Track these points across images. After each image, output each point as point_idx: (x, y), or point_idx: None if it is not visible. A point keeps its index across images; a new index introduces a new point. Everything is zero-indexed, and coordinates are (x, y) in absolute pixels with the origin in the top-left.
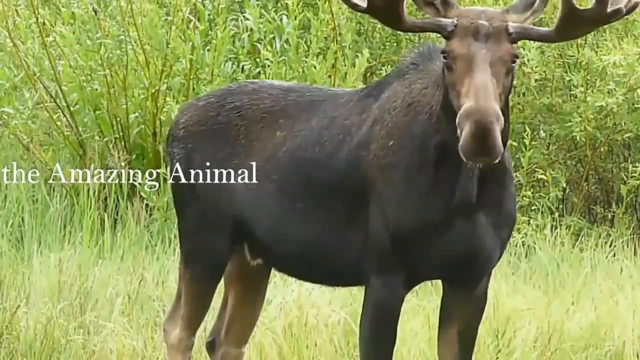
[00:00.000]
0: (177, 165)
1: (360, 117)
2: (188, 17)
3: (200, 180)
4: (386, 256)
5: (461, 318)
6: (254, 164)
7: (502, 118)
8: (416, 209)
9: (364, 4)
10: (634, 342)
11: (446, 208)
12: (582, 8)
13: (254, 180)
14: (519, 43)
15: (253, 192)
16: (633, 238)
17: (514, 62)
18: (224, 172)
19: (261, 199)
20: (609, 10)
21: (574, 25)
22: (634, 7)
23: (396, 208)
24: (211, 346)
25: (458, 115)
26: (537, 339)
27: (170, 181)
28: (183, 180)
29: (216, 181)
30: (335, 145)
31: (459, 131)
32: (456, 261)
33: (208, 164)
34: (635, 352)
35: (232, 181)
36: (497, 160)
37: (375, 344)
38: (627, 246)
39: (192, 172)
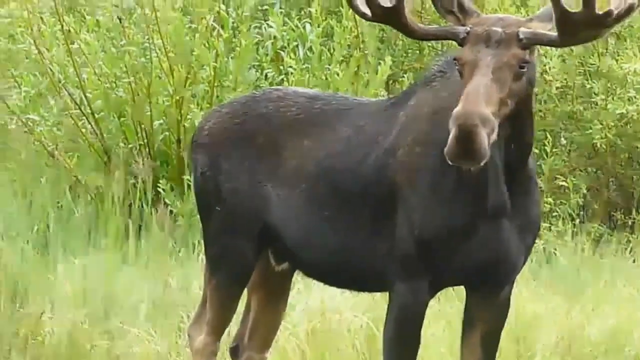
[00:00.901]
0: (202, 171)
1: (388, 125)
2: (212, 24)
3: (226, 187)
4: (411, 261)
5: (484, 323)
6: (281, 172)
7: (491, 121)
8: (441, 215)
9: (369, 13)
10: None
11: (471, 214)
12: (572, 11)
13: (283, 189)
14: (541, 51)
15: (281, 200)
16: None
17: (522, 67)
18: (251, 179)
19: (289, 206)
20: (598, 12)
21: (570, 28)
22: (630, 10)
23: (422, 213)
24: (234, 352)
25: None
26: (557, 344)
27: (194, 188)
28: (208, 187)
29: (242, 188)
30: (362, 153)
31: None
32: (481, 267)
33: (234, 170)
34: None
35: (260, 189)
36: (481, 164)
37: (399, 348)
38: None
39: (218, 178)
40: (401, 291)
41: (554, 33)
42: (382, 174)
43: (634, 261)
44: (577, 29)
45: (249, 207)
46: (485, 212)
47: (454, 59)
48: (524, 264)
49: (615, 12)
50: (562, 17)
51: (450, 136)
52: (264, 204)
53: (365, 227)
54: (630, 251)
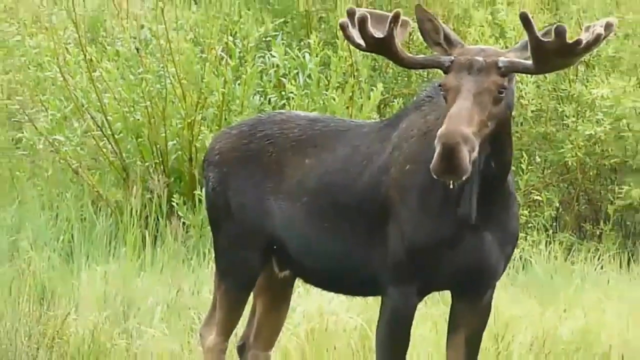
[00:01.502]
0: (213, 187)
1: (381, 145)
2: (220, 54)
3: (235, 202)
4: (402, 269)
5: (468, 325)
6: (285, 187)
7: (471, 140)
8: (428, 227)
9: (363, 43)
10: (620, 346)
11: (456, 226)
12: (546, 40)
13: (286, 202)
14: (518, 78)
15: (284, 213)
16: (619, 252)
17: (500, 92)
18: (257, 194)
19: (292, 219)
20: (569, 42)
21: (543, 57)
22: (597, 40)
23: (411, 226)
24: (241, 350)
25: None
26: (532, 343)
27: (205, 202)
28: (218, 201)
29: (250, 203)
30: (358, 170)
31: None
32: (465, 274)
33: (242, 187)
34: (621, 354)
35: (265, 203)
36: (463, 178)
37: (390, 347)
38: (614, 260)
39: (227, 194)
40: (393, 295)
41: (530, 62)
42: (376, 189)
43: (602, 267)
44: (550, 57)
45: (255, 220)
46: (469, 225)
47: (439, 85)
48: (503, 271)
49: (584, 41)
50: (537, 47)
51: (435, 153)
52: (268, 217)
53: (361, 237)
54: (599, 259)
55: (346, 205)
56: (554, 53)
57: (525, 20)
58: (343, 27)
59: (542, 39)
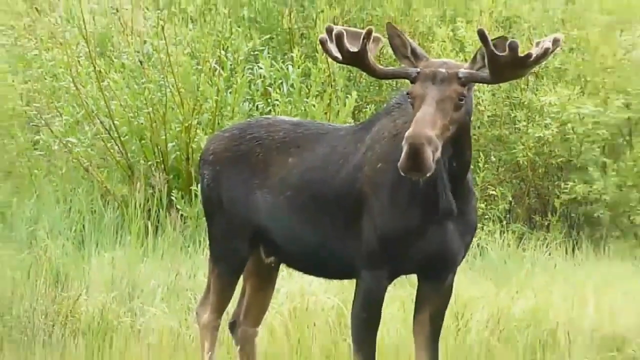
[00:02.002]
0: (207, 183)
1: (356, 146)
2: (214, 66)
3: (226, 197)
4: (374, 255)
5: (432, 305)
6: (270, 183)
7: (435, 141)
8: (398, 219)
9: (340, 56)
10: (565, 324)
11: (422, 218)
12: (500, 54)
13: (271, 197)
14: (476, 87)
15: (270, 206)
16: (564, 241)
17: (461, 99)
18: (246, 190)
19: (277, 211)
20: (521, 55)
21: (498, 68)
22: (545, 53)
23: (382, 217)
24: (232, 326)
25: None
26: (488, 320)
27: (201, 196)
28: (212, 196)
29: (239, 197)
30: (336, 168)
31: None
32: (429, 260)
33: (232, 183)
34: (566, 331)
35: (253, 197)
36: (427, 175)
37: (364, 324)
38: (560, 247)
39: (220, 189)
40: (366, 279)
41: (486, 73)
42: (352, 185)
43: (549, 254)
44: (504, 69)
45: (243, 213)
46: (434, 217)
47: (407, 93)
48: (463, 257)
49: (534, 55)
50: (492, 60)
51: (403, 152)
52: (255, 210)
53: (338, 227)
54: (547, 246)
55: (325, 199)
56: (507, 65)
57: (482, 36)
58: (322, 42)
59: (497, 52)
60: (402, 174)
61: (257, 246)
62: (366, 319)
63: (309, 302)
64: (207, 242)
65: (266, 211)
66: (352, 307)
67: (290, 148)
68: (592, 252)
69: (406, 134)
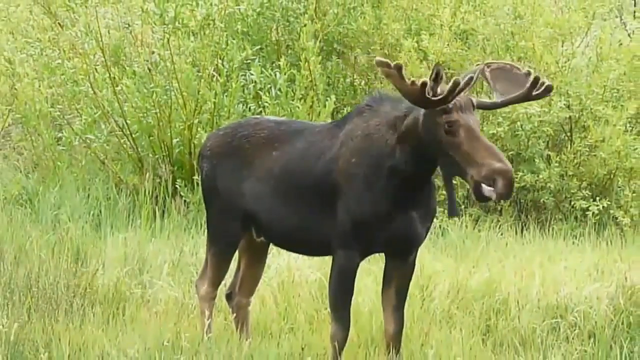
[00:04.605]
0: (205, 174)
1: (331, 141)
2: (212, 73)
3: (221, 186)
4: (347, 237)
5: (398, 279)
6: (257, 174)
7: None
8: (369, 205)
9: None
10: (515, 294)
11: (390, 206)
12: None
13: (258, 185)
14: None
15: (257, 193)
16: (515, 223)
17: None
18: (237, 179)
19: (263, 198)
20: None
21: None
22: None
23: (356, 203)
24: (229, 297)
25: (487, 170)
26: (449, 291)
27: (201, 185)
28: (209, 185)
29: (232, 186)
30: (313, 160)
31: (484, 181)
32: (395, 242)
33: (226, 174)
34: (516, 300)
35: (243, 186)
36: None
37: (339, 295)
38: (511, 228)
39: (216, 180)
40: (340, 256)
41: (488, 100)
42: (327, 175)
43: (502, 234)
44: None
45: (235, 199)
46: (400, 205)
47: (448, 122)
48: (424, 238)
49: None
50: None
51: (500, 185)
52: (245, 197)
53: (315, 211)
54: (499, 228)
55: (303, 187)
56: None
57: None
58: (425, 84)
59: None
60: (499, 201)
61: (249, 228)
62: (341, 291)
63: (294, 276)
64: (206, 225)
65: (254, 198)
66: (329, 280)
67: (274, 143)
68: (539, 233)
69: (497, 167)
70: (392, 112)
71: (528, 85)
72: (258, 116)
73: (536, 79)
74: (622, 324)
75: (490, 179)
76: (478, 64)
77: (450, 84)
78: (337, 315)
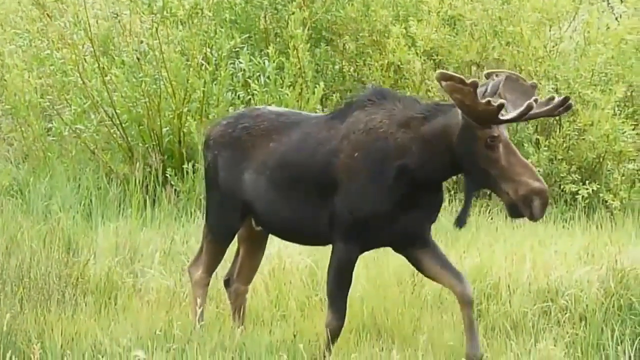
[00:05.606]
0: (207, 164)
1: (329, 133)
2: (201, 62)
3: (221, 175)
4: (349, 232)
5: (427, 253)
6: (255, 165)
7: None
8: (372, 203)
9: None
10: (505, 278)
11: (393, 205)
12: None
13: (256, 176)
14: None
15: (255, 184)
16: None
17: None
18: (237, 170)
19: (260, 188)
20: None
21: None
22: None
23: (358, 200)
24: (227, 283)
25: (526, 189)
26: None
27: (204, 174)
28: (211, 175)
29: (231, 176)
30: (311, 152)
31: (521, 199)
32: (396, 238)
33: (226, 164)
34: (507, 284)
35: (242, 176)
36: None
37: (337, 286)
38: (501, 212)
39: (217, 169)
40: (340, 249)
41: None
42: (327, 167)
43: (491, 219)
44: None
45: (234, 189)
46: (404, 205)
47: (491, 137)
48: (429, 228)
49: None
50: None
51: (537, 205)
52: (244, 187)
53: (311, 202)
54: (489, 212)
55: (300, 178)
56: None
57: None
58: (502, 106)
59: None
60: (533, 220)
61: (248, 217)
62: (339, 282)
63: (285, 263)
64: (198, 213)
65: (252, 188)
66: (327, 270)
67: (272, 135)
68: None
69: (536, 186)
70: (403, 111)
71: (555, 103)
72: (260, 107)
73: (565, 99)
74: (613, 307)
75: (528, 198)
76: (489, 73)
77: (524, 106)
78: (334, 305)
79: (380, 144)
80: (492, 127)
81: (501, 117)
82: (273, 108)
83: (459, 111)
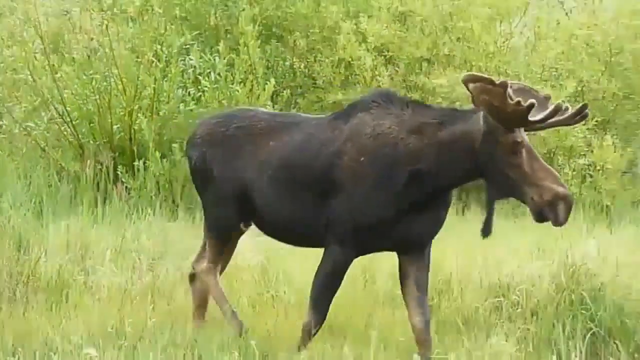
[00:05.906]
0: (195, 163)
1: (332, 134)
2: (151, 59)
3: (215, 173)
4: (347, 236)
5: (415, 271)
6: (254, 164)
7: None
8: (377, 208)
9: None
10: (457, 272)
11: (397, 211)
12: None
13: (255, 175)
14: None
15: (253, 183)
16: (456, 203)
17: None
18: (231, 168)
19: (259, 188)
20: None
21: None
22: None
23: (362, 204)
24: (192, 278)
25: (551, 194)
26: (391, 272)
27: (190, 172)
28: (200, 175)
29: (226, 175)
30: (313, 153)
31: (546, 204)
32: (397, 243)
33: (220, 162)
34: (459, 279)
35: (237, 175)
36: None
37: (325, 288)
38: (452, 209)
39: (206, 167)
40: (335, 252)
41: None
42: (329, 169)
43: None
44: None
45: (230, 188)
46: (410, 210)
47: (515, 142)
48: (436, 233)
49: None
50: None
51: (562, 209)
52: (239, 185)
53: (310, 204)
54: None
55: (301, 179)
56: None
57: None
58: (532, 106)
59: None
60: (557, 226)
61: (245, 215)
62: (328, 285)
63: (237, 260)
64: (149, 210)
65: (250, 187)
66: (317, 270)
67: (271, 134)
68: (480, 212)
69: (559, 191)
70: (413, 117)
71: (572, 112)
72: (253, 108)
73: (582, 108)
74: (565, 302)
75: (553, 203)
76: (505, 80)
77: (552, 108)
78: (318, 307)
79: (389, 150)
80: (515, 132)
81: (531, 118)
82: (265, 109)
83: (481, 117)
